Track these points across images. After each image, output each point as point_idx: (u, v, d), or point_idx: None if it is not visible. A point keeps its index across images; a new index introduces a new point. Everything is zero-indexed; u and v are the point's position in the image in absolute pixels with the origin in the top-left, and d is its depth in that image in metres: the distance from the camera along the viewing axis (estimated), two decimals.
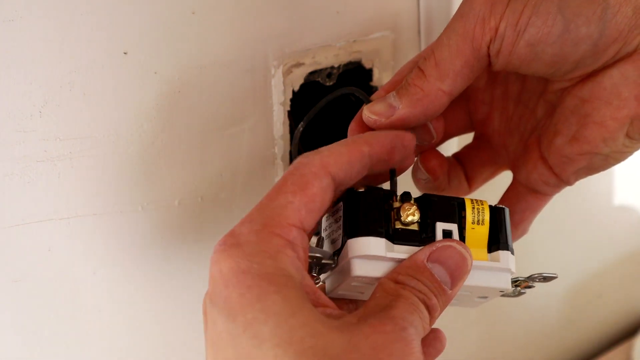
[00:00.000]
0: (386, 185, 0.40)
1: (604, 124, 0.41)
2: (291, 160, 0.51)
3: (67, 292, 0.46)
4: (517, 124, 0.46)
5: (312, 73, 0.51)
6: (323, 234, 0.40)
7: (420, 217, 0.38)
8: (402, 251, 0.37)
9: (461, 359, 0.76)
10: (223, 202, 0.50)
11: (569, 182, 0.44)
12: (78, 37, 0.41)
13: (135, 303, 0.50)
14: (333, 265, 0.38)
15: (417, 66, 0.41)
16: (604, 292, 0.89)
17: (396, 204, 0.38)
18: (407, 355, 0.32)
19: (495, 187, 0.49)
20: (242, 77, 0.48)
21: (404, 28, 0.54)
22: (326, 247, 0.39)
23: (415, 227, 0.38)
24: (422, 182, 0.46)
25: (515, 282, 0.41)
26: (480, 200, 0.39)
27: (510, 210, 0.41)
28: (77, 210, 0.44)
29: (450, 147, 0.52)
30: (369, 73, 0.54)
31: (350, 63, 0.52)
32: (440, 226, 0.38)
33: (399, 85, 0.41)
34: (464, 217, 0.39)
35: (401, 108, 0.40)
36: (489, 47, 0.39)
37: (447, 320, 0.42)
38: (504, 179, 0.48)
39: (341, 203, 0.38)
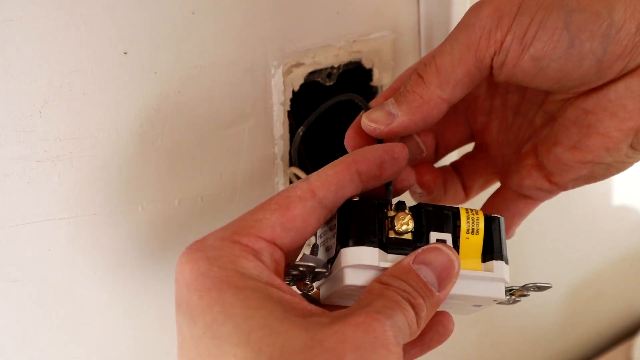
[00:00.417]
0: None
1: (608, 135, 0.41)
2: (291, 160, 0.52)
3: (67, 292, 0.46)
4: (515, 133, 0.46)
5: (312, 73, 0.51)
6: (318, 242, 0.39)
7: (415, 227, 0.38)
8: (396, 260, 0.37)
9: None
10: (223, 202, 0.50)
11: (565, 188, 0.44)
12: (78, 37, 0.41)
13: (135, 303, 0.50)
14: (327, 274, 0.38)
15: (416, 72, 0.40)
16: (604, 292, 0.89)
17: (390, 213, 0.38)
18: (377, 348, 0.31)
19: (486, 195, 0.49)
20: (242, 77, 0.48)
21: (404, 28, 0.54)
22: (321, 254, 0.39)
23: (409, 236, 0.38)
24: (417, 196, 0.46)
25: (510, 291, 0.41)
26: (475, 210, 0.39)
27: None
28: (77, 210, 0.44)
29: (450, 155, 0.52)
30: (369, 73, 0.54)
31: (350, 63, 0.52)
32: (434, 236, 0.38)
33: (398, 91, 0.41)
34: (459, 227, 0.38)
35: (400, 115, 0.40)
36: (492, 59, 0.39)
37: None
38: (496, 186, 0.48)
39: (336, 211, 0.38)
